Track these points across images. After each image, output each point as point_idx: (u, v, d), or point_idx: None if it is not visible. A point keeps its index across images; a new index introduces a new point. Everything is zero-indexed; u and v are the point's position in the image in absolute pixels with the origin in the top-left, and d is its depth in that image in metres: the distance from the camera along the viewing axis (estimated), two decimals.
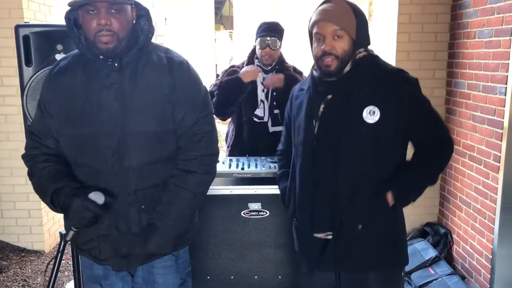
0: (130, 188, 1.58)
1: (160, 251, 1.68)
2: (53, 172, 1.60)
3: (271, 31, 2.74)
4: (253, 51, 2.86)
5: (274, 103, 2.78)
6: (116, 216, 1.60)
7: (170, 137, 1.60)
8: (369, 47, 1.72)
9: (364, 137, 1.61)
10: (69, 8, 1.53)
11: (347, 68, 1.64)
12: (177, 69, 1.61)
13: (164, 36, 26.55)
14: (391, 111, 1.61)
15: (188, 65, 1.66)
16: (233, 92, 2.68)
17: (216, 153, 1.71)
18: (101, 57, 1.53)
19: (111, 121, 1.54)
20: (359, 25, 1.62)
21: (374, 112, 1.60)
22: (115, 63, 1.54)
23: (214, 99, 2.70)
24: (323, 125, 1.67)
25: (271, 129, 2.78)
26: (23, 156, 1.68)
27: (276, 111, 2.78)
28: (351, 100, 1.63)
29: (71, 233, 1.60)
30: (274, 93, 2.78)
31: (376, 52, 1.75)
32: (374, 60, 1.69)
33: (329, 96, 1.67)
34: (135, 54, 1.57)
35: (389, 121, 1.61)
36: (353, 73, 1.64)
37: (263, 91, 2.78)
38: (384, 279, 1.73)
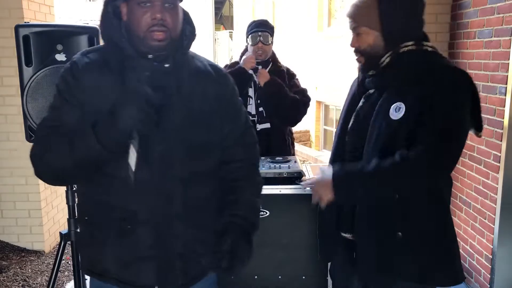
0: (175, 200, 1.37)
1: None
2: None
3: (261, 26, 2.78)
4: (245, 51, 2.88)
5: (259, 101, 2.79)
6: (159, 232, 1.36)
7: (214, 148, 1.45)
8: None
9: (386, 134, 1.49)
10: None
11: (385, 62, 1.52)
12: (223, 79, 1.51)
13: None
14: (416, 109, 1.45)
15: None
16: (238, 83, 2.67)
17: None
18: (150, 56, 1.33)
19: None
20: (386, 17, 1.47)
21: (400, 109, 1.47)
22: (164, 64, 1.35)
23: None
24: (356, 119, 1.60)
25: (258, 126, 2.78)
26: (33, 155, 1.35)
27: (261, 108, 2.79)
28: (383, 95, 1.52)
29: (133, 154, 1.27)
30: (260, 91, 2.78)
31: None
32: (421, 55, 1.52)
33: (371, 91, 1.59)
34: (180, 58, 1.40)
35: (410, 119, 1.45)
36: (392, 68, 1.51)
37: (250, 87, 2.79)
38: None
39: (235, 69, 2.73)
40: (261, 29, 2.75)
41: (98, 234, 1.38)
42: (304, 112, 2.84)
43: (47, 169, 1.34)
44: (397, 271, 1.54)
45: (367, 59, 1.55)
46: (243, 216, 1.45)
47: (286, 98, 2.72)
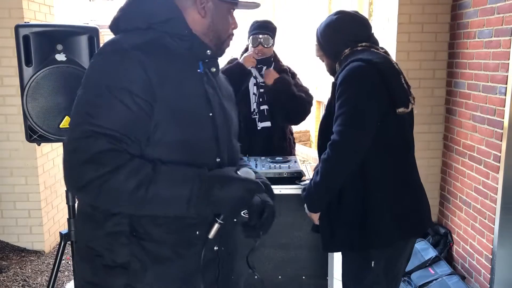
0: None
1: None
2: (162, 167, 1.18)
3: (263, 28, 2.74)
4: (245, 50, 2.87)
5: (260, 100, 2.78)
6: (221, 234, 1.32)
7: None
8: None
9: (323, 122, 1.92)
10: None
11: (337, 69, 1.92)
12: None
13: None
14: (333, 100, 1.83)
15: None
16: (236, 78, 2.68)
17: None
18: (208, 52, 1.34)
19: (222, 125, 1.36)
20: (323, 48, 1.98)
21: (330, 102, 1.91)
22: (212, 68, 1.38)
23: None
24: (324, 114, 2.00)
25: (259, 125, 2.78)
26: (83, 188, 1.13)
27: (263, 107, 2.78)
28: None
29: (215, 227, 1.25)
30: (261, 90, 2.78)
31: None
32: (350, 55, 1.86)
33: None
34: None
35: (333, 109, 1.82)
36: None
37: (254, 84, 2.78)
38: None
39: (233, 64, 2.73)
40: (262, 31, 2.72)
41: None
42: (309, 111, 2.84)
43: (105, 200, 1.17)
44: (337, 242, 1.88)
45: (330, 72, 2.02)
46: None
47: (294, 96, 2.73)
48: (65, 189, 2.20)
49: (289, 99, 2.70)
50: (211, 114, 1.31)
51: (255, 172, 1.39)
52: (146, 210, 1.18)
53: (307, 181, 2.00)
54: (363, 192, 1.80)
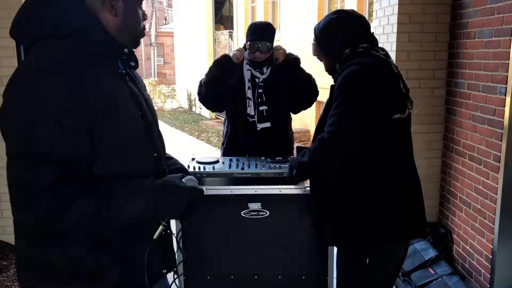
0: None
1: None
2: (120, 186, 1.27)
3: (260, 35, 2.74)
4: (243, 48, 2.89)
5: (259, 100, 2.79)
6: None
7: None
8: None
9: (320, 120, 1.95)
10: None
11: (337, 68, 1.93)
12: None
13: (165, 36, 26.57)
14: (331, 100, 1.86)
15: None
16: (220, 68, 2.78)
17: None
18: (126, 50, 1.38)
19: (151, 121, 1.46)
20: (323, 49, 1.98)
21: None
22: (131, 63, 1.44)
23: (202, 81, 2.82)
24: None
25: (258, 126, 2.79)
26: (44, 216, 1.18)
27: (262, 107, 2.79)
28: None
29: (160, 229, 1.40)
30: (260, 90, 2.78)
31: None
32: (350, 56, 1.87)
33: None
34: None
35: (330, 107, 1.86)
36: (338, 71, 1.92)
37: (249, 88, 2.79)
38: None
39: (220, 56, 2.84)
40: (259, 38, 2.72)
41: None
42: (316, 93, 2.89)
43: (68, 227, 1.24)
44: (329, 239, 1.97)
45: (329, 72, 2.03)
46: None
47: (302, 72, 2.81)
48: None
49: (301, 74, 2.78)
50: (140, 113, 1.38)
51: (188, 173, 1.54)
52: (108, 226, 1.27)
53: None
54: (356, 193, 1.83)
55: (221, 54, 3.06)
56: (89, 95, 1.20)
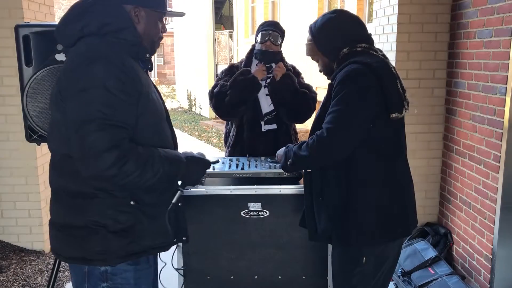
0: None
1: None
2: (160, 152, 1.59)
3: (273, 26, 2.76)
4: (251, 51, 2.86)
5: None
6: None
7: None
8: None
9: (316, 118, 1.95)
10: None
11: (335, 67, 1.94)
12: None
13: (165, 36, 26.53)
14: (329, 97, 1.87)
15: None
16: (249, 91, 2.70)
17: None
18: (147, 55, 1.69)
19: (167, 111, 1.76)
20: (321, 47, 1.97)
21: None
22: (149, 65, 1.74)
23: (226, 99, 2.70)
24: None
25: (264, 127, 2.78)
26: (105, 171, 1.44)
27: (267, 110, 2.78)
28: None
29: (178, 194, 1.72)
30: (266, 93, 2.78)
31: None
32: (349, 56, 1.87)
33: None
34: None
35: (327, 105, 1.86)
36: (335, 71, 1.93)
37: (264, 86, 2.78)
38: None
39: (248, 77, 2.70)
40: (272, 28, 2.73)
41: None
42: (314, 108, 2.84)
43: (121, 180, 1.48)
44: (321, 235, 1.95)
45: (325, 72, 2.03)
46: None
47: (297, 92, 2.74)
48: None
49: (293, 95, 2.72)
50: (162, 102, 1.71)
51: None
52: (150, 185, 1.54)
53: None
54: (348, 191, 1.85)
55: (244, 70, 2.81)
56: (134, 77, 1.51)
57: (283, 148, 2.07)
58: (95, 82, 1.44)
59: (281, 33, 2.77)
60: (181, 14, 1.85)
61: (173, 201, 1.70)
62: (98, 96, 1.43)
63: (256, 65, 2.79)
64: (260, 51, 2.74)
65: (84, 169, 1.45)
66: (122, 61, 1.49)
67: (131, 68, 1.51)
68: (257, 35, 2.77)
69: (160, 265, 1.93)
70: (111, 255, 1.56)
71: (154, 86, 1.70)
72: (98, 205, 1.54)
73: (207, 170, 1.81)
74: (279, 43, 2.74)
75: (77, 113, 1.45)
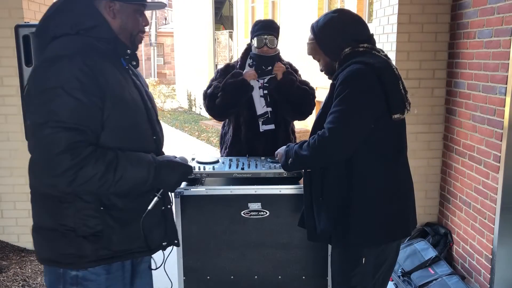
0: None
1: None
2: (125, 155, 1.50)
3: (268, 29, 2.71)
4: (246, 50, 2.85)
5: (264, 102, 2.78)
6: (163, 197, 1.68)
7: None
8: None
9: (317, 117, 1.94)
10: None
11: (336, 67, 1.94)
12: None
13: (165, 36, 26.55)
14: (331, 97, 1.86)
15: None
16: (239, 94, 2.69)
17: None
18: (128, 51, 1.62)
19: (151, 109, 1.69)
20: (323, 47, 1.95)
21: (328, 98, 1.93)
22: (133, 62, 1.67)
23: (217, 101, 2.70)
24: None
25: (262, 127, 2.78)
26: (59, 176, 1.38)
27: (267, 109, 2.77)
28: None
29: (154, 200, 1.62)
30: (265, 91, 2.78)
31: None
32: (351, 55, 1.87)
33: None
34: None
35: (328, 105, 1.86)
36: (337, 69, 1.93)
37: (260, 87, 2.78)
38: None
39: (237, 80, 2.69)
40: (267, 32, 2.70)
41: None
42: (314, 104, 2.86)
43: (80, 185, 1.43)
44: (320, 235, 1.94)
45: (326, 71, 2.03)
46: None
47: (299, 88, 2.75)
48: None
49: (296, 92, 2.73)
50: (142, 100, 1.62)
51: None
52: (113, 189, 1.47)
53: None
54: (349, 191, 1.84)
55: (231, 65, 2.89)
56: (99, 77, 1.45)
57: (284, 147, 2.06)
58: (53, 84, 1.40)
59: (277, 33, 2.76)
60: (161, 6, 1.80)
61: (149, 207, 1.60)
62: (54, 98, 1.39)
63: (249, 65, 2.78)
64: (257, 56, 2.73)
65: (39, 174, 1.42)
66: (85, 61, 1.43)
67: (95, 68, 1.45)
68: (252, 37, 2.75)
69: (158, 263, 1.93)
70: (81, 259, 1.52)
71: (137, 84, 1.64)
72: (67, 209, 1.50)
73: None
74: (275, 45, 2.73)
75: (34, 115, 1.42)
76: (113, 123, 1.49)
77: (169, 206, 1.72)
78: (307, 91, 2.81)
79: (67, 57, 1.43)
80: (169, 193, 1.72)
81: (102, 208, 1.52)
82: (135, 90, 1.61)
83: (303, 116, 2.86)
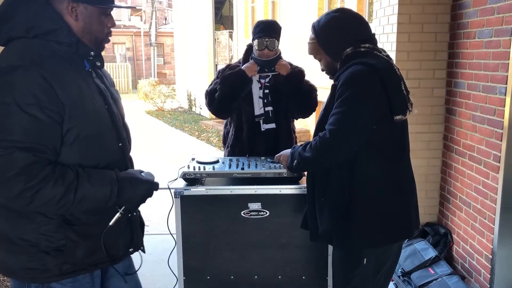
0: None
1: None
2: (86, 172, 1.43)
3: (269, 31, 2.71)
4: (248, 50, 2.85)
5: (265, 101, 2.78)
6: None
7: None
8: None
9: (320, 118, 1.95)
10: None
11: (338, 67, 1.92)
12: None
13: (165, 36, 26.55)
14: (332, 98, 1.86)
15: None
16: (237, 85, 2.71)
17: None
18: (92, 53, 1.53)
19: (117, 114, 1.62)
20: (324, 46, 1.94)
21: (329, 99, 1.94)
22: (97, 63, 1.58)
23: (217, 94, 2.72)
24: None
25: (263, 126, 2.78)
26: (14, 199, 1.32)
27: (267, 108, 2.78)
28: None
29: (116, 216, 1.56)
30: (266, 91, 2.78)
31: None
32: (354, 56, 1.86)
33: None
34: None
35: (330, 106, 1.86)
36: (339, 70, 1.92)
37: (260, 88, 2.78)
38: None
39: (235, 71, 2.72)
40: (268, 35, 2.70)
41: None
42: (315, 105, 2.88)
43: (38, 207, 1.39)
44: (322, 235, 1.94)
45: (327, 71, 2.02)
46: None
47: (306, 84, 2.79)
48: None
49: (303, 88, 2.76)
50: (106, 106, 1.54)
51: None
52: (74, 209, 1.42)
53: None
54: (351, 192, 1.84)
55: (232, 65, 2.88)
56: (57, 90, 1.35)
57: (287, 150, 2.08)
58: (7, 99, 1.29)
59: (278, 34, 2.76)
60: (132, 8, 1.79)
61: (110, 223, 1.54)
62: (8, 115, 1.29)
63: (251, 58, 2.79)
64: (258, 60, 2.74)
65: None
66: (42, 73, 1.32)
67: (53, 79, 1.34)
68: (253, 38, 2.76)
69: (161, 263, 1.93)
70: (44, 274, 1.47)
71: (101, 88, 1.55)
72: (29, 224, 1.43)
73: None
74: (276, 47, 2.73)
75: None
76: (73, 136, 1.40)
77: (135, 214, 1.67)
78: (312, 86, 2.86)
79: (22, 67, 1.32)
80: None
81: (64, 223, 1.46)
82: (99, 97, 1.52)
83: (308, 111, 2.88)
